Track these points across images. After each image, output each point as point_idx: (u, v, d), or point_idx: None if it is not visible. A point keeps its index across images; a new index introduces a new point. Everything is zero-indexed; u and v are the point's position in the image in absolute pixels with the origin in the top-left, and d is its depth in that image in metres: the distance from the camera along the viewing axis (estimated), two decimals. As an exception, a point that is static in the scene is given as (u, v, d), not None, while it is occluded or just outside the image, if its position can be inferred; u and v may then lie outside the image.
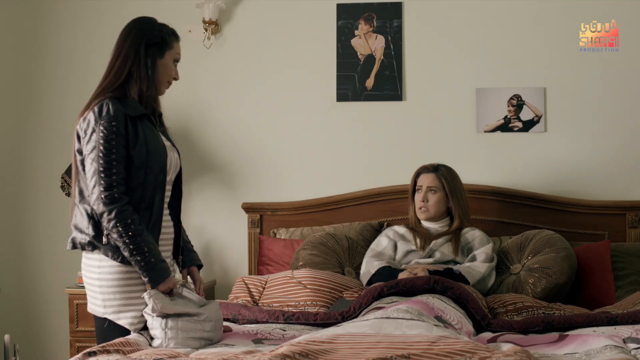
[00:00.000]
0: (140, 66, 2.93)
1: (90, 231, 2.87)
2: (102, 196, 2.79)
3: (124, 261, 2.85)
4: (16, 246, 4.64)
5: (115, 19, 4.57)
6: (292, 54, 4.47)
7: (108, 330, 2.92)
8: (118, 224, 2.79)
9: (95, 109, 2.86)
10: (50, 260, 4.61)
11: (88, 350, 2.66)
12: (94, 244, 2.88)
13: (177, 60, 3.03)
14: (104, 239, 2.86)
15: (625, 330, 2.99)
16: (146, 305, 2.87)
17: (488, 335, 3.09)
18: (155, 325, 2.85)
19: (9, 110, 4.64)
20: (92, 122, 2.85)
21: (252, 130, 4.49)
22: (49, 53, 4.63)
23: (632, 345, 2.81)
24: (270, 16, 4.48)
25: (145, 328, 2.93)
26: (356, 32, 4.40)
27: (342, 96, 4.41)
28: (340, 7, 4.41)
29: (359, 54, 4.40)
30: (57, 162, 4.49)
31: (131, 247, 2.80)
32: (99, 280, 2.90)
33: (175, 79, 3.04)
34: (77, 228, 2.92)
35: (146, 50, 2.94)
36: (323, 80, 4.43)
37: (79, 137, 2.91)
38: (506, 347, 2.64)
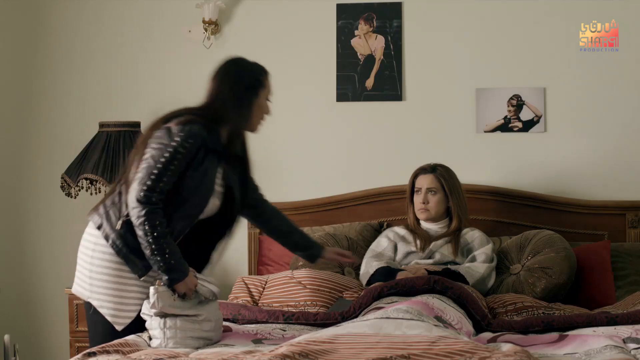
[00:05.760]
0: (238, 109, 3.00)
1: (113, 209, 2.92)
2: (141, 193, 2.83)
3: (124, 257, 2.88)
4: (16, 246, 4.64)
5: (116, 18, 4.60)
6: (292, 54, 4.47)
7: (95, 316, 2.94)
8: (146, 223, 2.81)
9: (182, 121, 2.91)
10: (50, 260, 4.61)
11: (88, 350, 2.67)
12: (103, 220, 2.92)
13: (268, 96, 3.11)
14: (118, 224, 2.88)
15: (625, 330, 2.99)
16: (140, 301, 2.89)
17: (488, 335, 3.09)
18: (154, 325, 2.86)
19: (9, 110, 4.63)
20: (173, 132, 2.89)
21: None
22: (49, 53, 4.62)
23: (632, 345, 2.82)
24: (270, 16, 4.48)
25: (130, 325, 2.93)
26: (356, 32, 4.40)
27: (342, 96, 4.41)
28: (340, 7, 4.41)
29: (358, 54, 4.40)
30: (57, 162, 4.49)
31: (153, 246, 2.82)
32: (91, 264, 2.94)
33: (268, 114, 3.10)
34: (112, 202, 2.95)
35: (244, 93, 3.01)
36: (323, 80, 4.43)
37: (146, 140, 2.95)
38: (506, 347, 2.64)
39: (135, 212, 2.83)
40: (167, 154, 2.85)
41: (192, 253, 3.01)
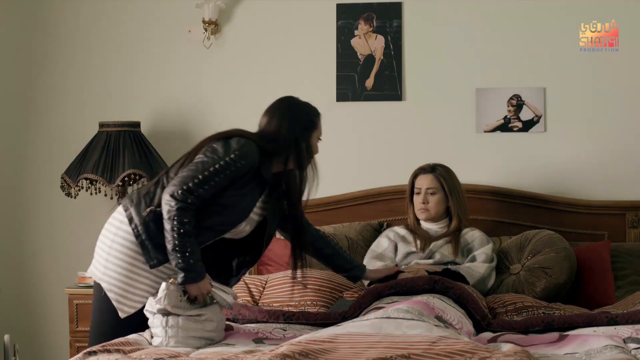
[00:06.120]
0: (295, 149, 3.08)
1: (146, 198, 2.97)
2: (179, 191, 2.88)
3: (141, 243, 2.92)
4: (16, 246, 4.64)
5: (115, 18, 4.60)
6: (291, 54, 4.47)
7: (102, 302, 2.96)
8: (175, 218, 2.85)
9: (241, 142, 2.98)
10: (50, 260, 4.61)
11: (88, 349, 2.67)
12: (132, 205, 2.96)
13: (319, 136, 3.19)
14: (146, 210, 2.93)
15: (625, 330, 2.99)
16: (149, 294, 2.90)
17: (488, 335, 3.09)
18: (156, 323, 2.86)
19: (9, 110, 4.63)
20: (232, 147, 2.96)
21: (252, 130, 4.48)
22: (49, 53, 4.62)
23: (632, 345, 2.82)
24: (270, 16, 4.48)
25: (134, 322, 2.94)
26: (356, 32, 4.40)
27: (342, 96, 4.41)
28: (340, 7, 4.41)
29: (358, 54, 4.40)
30: (57, 162, 4.49)
31: (176, 242, 2.85)
32: (110, 247, 2.97)
33: (316, 153, 3.18)
34: (147, 191, 3.00)
35: (300, 134, 3.09)
36: (323, 80, 4.43)
37: (201, 147, 3.02)
38: (506, 347, 2.64)
39: (167, 206, 2.88)
40: (217, 165, 2.92)
41: (219, 268, 3.09)
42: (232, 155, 2.95)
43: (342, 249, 3.52)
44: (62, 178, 4.31)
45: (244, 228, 3.10)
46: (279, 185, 3.16)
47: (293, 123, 3.10)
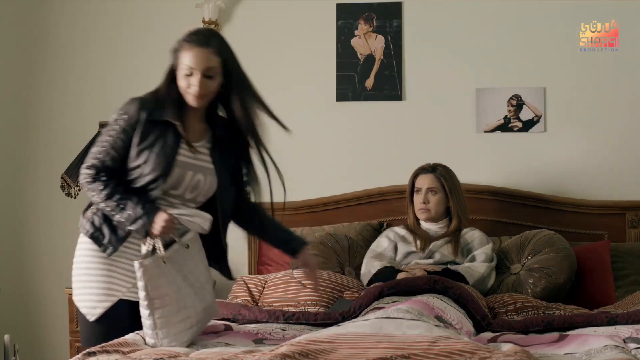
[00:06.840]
0: (165, 79, 2.97)
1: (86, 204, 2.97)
2: (81, 171, 2.89)
3: (92, 237, 2.90)
4: (16, 246, 4.64)
5: (115, 18, 4.60)
6: (291, 54, 4.47)
7: (81, 315, 2.98)
8: (93, 193, 2.85)
9: (125, 102, 2.94)
10: (50, 260, 4.61)
11: (88, 350, 2.67)
12: (81, 215, 2.97)
13: (184, 71, 2.88)
14: (88, 213, 2.93)
15: (626, 330, 2.99)
16: (113, 292, 2.89)
17: (488, 335, 3.09)
18: (147, 324, 2.84)
19: (9, 110, 4.63)
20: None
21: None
22: (49, 53, 4.62)
23: (632, 345, 2.81)
24: (270, 16, 4.48)
25: (103, 316, 2.93)
26: (356, 32, 4.40)
27: (342, 96, 4.41)
28: (340, 7, 4.41)
29: (358, 54, 4.40)
30: (57, 162, 4.49)
31: (108, 209, 2.83)
32: (75, 261, 2.96)
33: (190, 91, 2.88)
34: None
35: (167, 76, 2.97)
36: (323, 80, 4.43)
37: None
38: (506, 347, 2.64)
39: (84, 188, 2.89)
40: (103, 134, 2.91)
41: (211, 247, 2.98)
42: (114, 116, 2.91)
43: (281, 224, 3.19)
44: (62, 178, 4.31)
45: (193, 178, 2.92)
46: (217, 131, 3.00)
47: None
